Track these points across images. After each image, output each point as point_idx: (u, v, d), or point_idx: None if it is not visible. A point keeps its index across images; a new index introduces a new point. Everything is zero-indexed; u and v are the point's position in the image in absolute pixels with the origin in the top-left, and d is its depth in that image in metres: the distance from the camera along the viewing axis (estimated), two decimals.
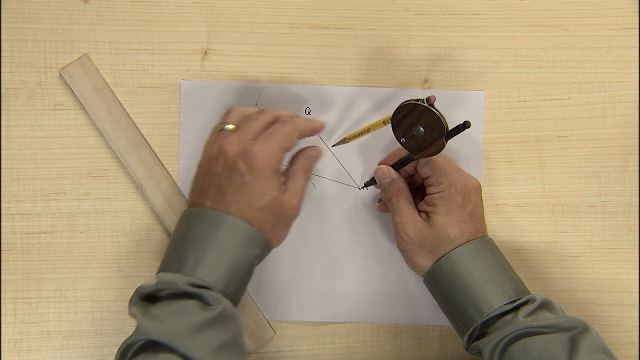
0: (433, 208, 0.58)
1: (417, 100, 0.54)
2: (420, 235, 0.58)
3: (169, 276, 0.52)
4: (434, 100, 0.53)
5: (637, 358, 0.65)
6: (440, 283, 0.57)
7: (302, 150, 0.59)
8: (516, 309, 0.54)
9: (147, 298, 0.53)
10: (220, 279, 0.52)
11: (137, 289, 0.53)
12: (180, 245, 0.53)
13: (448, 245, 0.57)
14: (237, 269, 0.53)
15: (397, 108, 0.55)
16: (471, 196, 0.58)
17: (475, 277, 0.56)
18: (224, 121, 0.57)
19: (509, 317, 0.54)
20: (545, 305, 0.55)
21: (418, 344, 0.65)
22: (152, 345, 0.49)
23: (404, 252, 0.60)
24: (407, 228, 0.59)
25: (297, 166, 0.57)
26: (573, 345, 0.51)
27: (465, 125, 0.51)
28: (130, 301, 0.53)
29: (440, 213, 0.57)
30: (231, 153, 0.54)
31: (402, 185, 0.60)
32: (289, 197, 0.55)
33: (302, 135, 0.57)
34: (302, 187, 0.57)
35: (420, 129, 0.55)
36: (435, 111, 0.53)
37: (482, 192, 0.65)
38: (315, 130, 0.58)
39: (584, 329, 0.52)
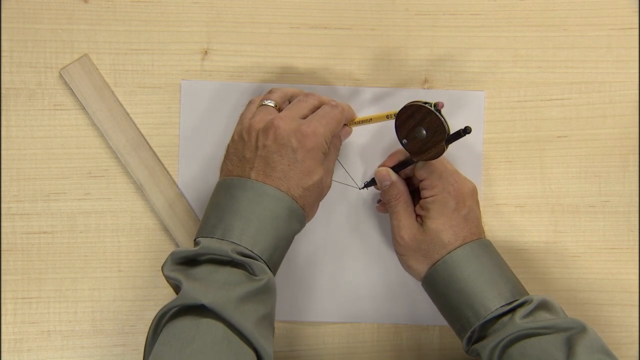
0: (427, 212, 0.58)
1: (425, 103, 0.54)
2: (414, 240, 0.58)
3: (214, 242, 0.52)
4: (442, 106, 0.54)
5: (637, 358, 0.65)
6: (438, 287, 0.57)
7: None
8: (513, 310, 0.54)
9: (186, 262, 0.52)
10: (265, 250, 0.53)
11: (172, 253, 0.53)
12: (223, 212, 0.54)
13: (442, 250, 0.57)
14: (280, 241, 0.54)
15: (403, 108, 0.56)
16: (466, 200, 0.58)
17: (471, 280, 0.55)
18: (266, 97, 0.59)
19: (506, 319, 0.54)
20: (543, 306, 0.55)
21: (418, 344, 0.65)
22: (196, 309, 0.49)
23: (399, 255, 0.60)
24: (402, 232, 0.59)
25: (331, 145, 0.59)
26: (571, 346, 0.51)
27: (466, 130, 0.52)
28: (164, 265, 0.52)
29: (434, 217, 0.57)
30: (283, 129, 0.55)
31: (401, 188, 0.60)
32: (328, 177, 0.58)
33: (348, 119, 0.60)
34: (333, 165, 0.60)
35: (422, 132, 0.55)
36: (438, 115, 0.53)
37: (482, 192, 0.65)
38: (353, 116, 0.61)
39: (582, 329, 0.52)
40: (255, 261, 0.51)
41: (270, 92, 0.60)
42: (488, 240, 0.59)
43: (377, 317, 0.65)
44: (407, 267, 0.61)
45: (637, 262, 0.66)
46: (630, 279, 0.66)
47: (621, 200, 0.66)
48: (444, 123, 0.53)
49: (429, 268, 0.58)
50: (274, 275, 0.54)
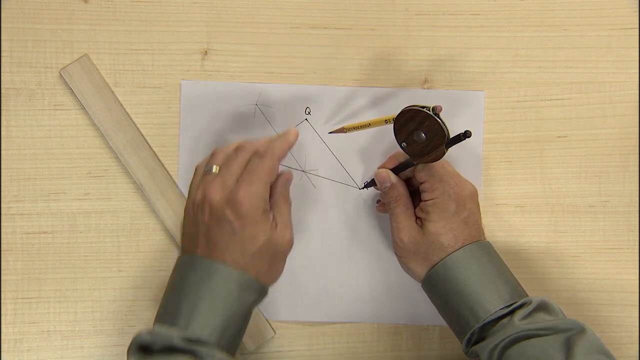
0: (426, 215, 0.58)
1: (423, 107, 0.54)
2: (413, 242, 0.58)
3: (163, 329, 0.51)
4: (440, 110, 0.53)
5: (637, 358, 0.65)
6: (437, 289, 0.58)
7: (276, 179, 0.57)
8: (512, 312, 0.54)
9: (144, 349, 0.52)
10: (214, 332, 0.51)
11: (135, 337, 0.52)
12: (174, 294, 0.53)
13: (441, 253, 0.57)
14: (232, 318, 0.52)
15: (401, 112, 0.56)
16: (466, 203, 0.58)
17: (471, 282, 0.55)
18: (208, 162, 0.56)
19: (505, 320, 0.54)
20: (542, 307, 0.55)
21: (418, 344, 0.65)
22: None
23: (399, 257, 0.60)
24: (401, 234, 0.59)
25: (277, 196, 0.56)
26: (569, 347, 0.51)
27: (466, 134, 0.52)
28: (128, 349, 0.52)
29: (434, 220, 0.57)
30: (216, 201, 0.53)
31: (401, 190, 0.59)
32: (280, 232, 0.55)
33: (282, 157, 0.56)
34: (288, 216, 0.56)
35: (421, 135, 0.55)
36: (437, 118, 0.53)
37: (482, 192, 0.65)
38: (292, 143, 0.57)
39: (581, 330, 0.52)
40: (202, 347, 0.50)
41: (212, 155, 0.57)
42: (488, 242, 0.59)
43: (377, 317, 0.65)
44: (406, 269, 0.61)
45: (637, 262, 0.66)
46: (630, 279, 0.66)
47: (621, 200, 0.66)
48: (443, 127, 0.53)
49: (429, 270, 0.58)
50: (236, 348, 0.54)
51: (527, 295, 0.57)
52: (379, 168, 0.61)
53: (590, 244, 0.66)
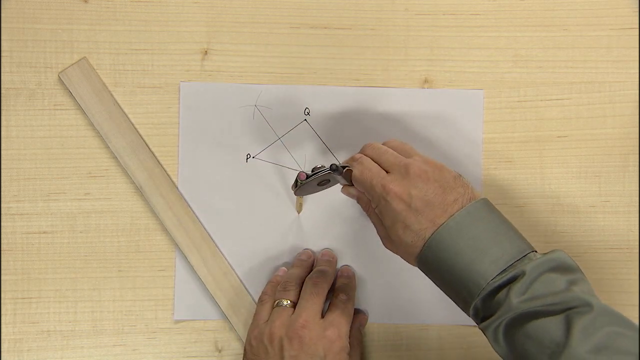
0: (383, 222, 0.56)
1: (295, 181, 0.57)
2: (393, 247, 0.57)
3: None
4: (303, 176, 0.56)
5: (637, 358, 0.65)
6: (430, 273, 0.55)
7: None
8: (508, 285, 0.50)
9: None
10: None
11: None
12: None
13: (414, 249, 0.54)
14: None
15: (296, 195, 0.60)
16: (410, 192, 0.53)
17: (458, 259, 0.52)
18: (281, 296, 0.61)
19: (501, 295, 0.50)
20: (548, 268, 0.51)
21: (418, 344, 0.65)
22: None
23: (398, 255, 0.60)
24: (383, 242, 0.58)
25: (352, 340, 0.61)
26: (569, 326, 0.48)
27: (332, 167, 0.55)
28: None
29: (389, 225, 0.55)
30: (309, 337, 0.57)
31: (365, 199, 0.58)
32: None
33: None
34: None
35: (324, 182, 0.58)
36: (311, 177, 0.56)
37: (482, 192, 0.64)
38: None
39: (586, 308, 0.49)
40: None
41: (284, 288, 0.61)
42: (471, 206, 0.53)
43: (377, 317, 0.65)
44: (408, 263, 0.59)
45: (637, 262, 0.66)
46: (630, 279, 0.66)
47: (621, 200, 0.66)
48: (319, 173, 0.56)
49: (416, 263, 0.56)
50: None
51: (531, 250, 0.52)
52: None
53: (590, 244, 0.66)
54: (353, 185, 0.59)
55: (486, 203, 0.54)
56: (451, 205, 0.53)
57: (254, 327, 0.59)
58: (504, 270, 0.51)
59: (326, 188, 0.60)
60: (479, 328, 0.53)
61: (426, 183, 0.54)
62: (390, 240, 0.57)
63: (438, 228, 0.52)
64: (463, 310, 0.54)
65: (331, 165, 0.55)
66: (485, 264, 0.51)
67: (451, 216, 0.52)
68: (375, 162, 0.57)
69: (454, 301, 0.55)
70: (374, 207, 0.56)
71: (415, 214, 0.53)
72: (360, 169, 0.56)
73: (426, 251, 0.53)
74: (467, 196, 0.54)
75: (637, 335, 0.48)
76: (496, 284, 0.51)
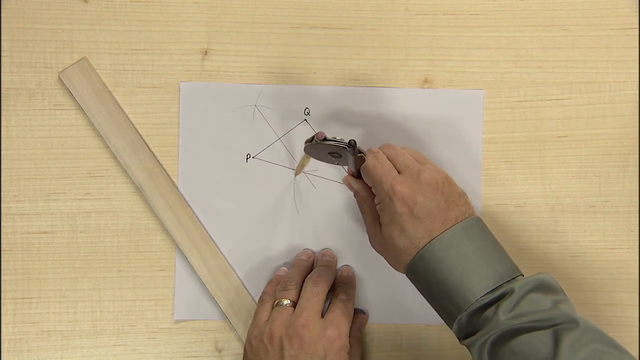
0: (381, 219, 0.57)
1: (311, 139, 0.57)
2: (381, 246, 0.58)
3: None
4: (321, 136, 0.56)
5: (637, 358, 0.65)
6: (419, 282, 0.56)
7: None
8: (496, 303, 0.51)
9: None
10: None
11: None
12: None
13: (405, 256, 0.55)
14: None
15: (304, 151, 0.60)
16: (415, 198, 0.54)
17: (448, 273, 0.52)
18: (281, 295, 0.60)
19: (489, 313, 0.51)
20: (534, 288, 0.52)
21: (418, 344, 0.65)
22: None
23: (382, 256, 0.60)
24: (370, 239, 0.59)
25: (352, 339, 0.62)
26: (557, 342, 0.49)
27: (350, 143, 0.55)
28: None
29: (385, 224, 0.56)
30: (309, 337, 0.56)
31: (364, 194, 0.60)
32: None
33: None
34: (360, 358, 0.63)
35: (336, 154, 0.58)
36: (325, 141, 0.56)
37: (482, 192, 0.65)
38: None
39: (572, 324, 0.50)
40: None
41: (284, 287, 0.60)
42: (470, 221, 0.54)
43: (377, 317, 0.65)
44: (393, 267, 0.60)
45: (637, 262, 0.66)
46: (630, 279, 0.66)
47: (621, 200, 0.66)
48: (335, 143, 0.56)
49: (405, 269, 0.56)
50: None
51: (518, 274, 0.53)
52: (348, 173, 0.63)
53: (590, 244, 0.66)
54: (357, 176, 0.60)
55: (480, 222, 0.55)
56: (450, 221, 0.54)
57: (254, 326, 0.59)
58: (494, 290, 0.52)
59: (333, 163, 0.60)
60: (463, 344, 0.54)
61: (434, 193, 0.54)
62: (379, 240, 0.58)
63: (433, 239, 0.53)
64: (446, 323, 0.55)
65: (350, 140, 0.55)
66: (476, 280, 0.52)
67: (446, 230, 0.53)
68: (389, 160, 0.57)
69: (437, 312, 0.56)
70: (377, 203, 0.57)
71: (415, 221, 0.54)
72: (373, 161, 0.57)
73: (417, 261, 0.54)
74: (467, 215, 0.55)
75: (619, 353, 0.50)
76: (485, 301, 0.52)
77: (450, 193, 0.55)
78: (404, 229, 0.54)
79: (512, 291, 0.51)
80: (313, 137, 0.57)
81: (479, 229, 0.55)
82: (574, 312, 0.52)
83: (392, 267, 0.59)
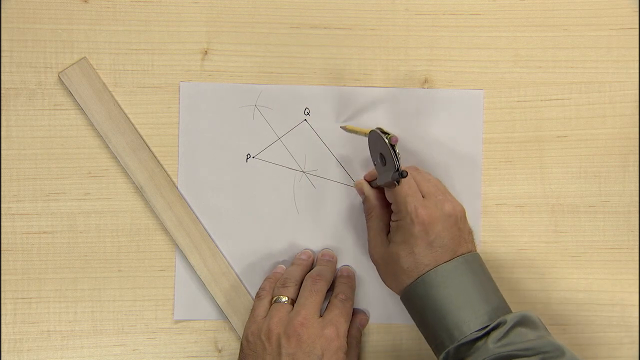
0: (392, 235, 0.58)
1: (386, 133, 0.55)
2: (382, 258, 0.59)
3: None
4: (396, 141, 0.54)
5: (637, 358, 0.65)
6: (413, 305, 0.57)
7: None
8: (487, 334, 0.53)
9: None
10: None
11: None
12: None
13: (405, 277, 0.56)
14: None
15: (370, 132, 0.57)
16: (434, 226, 0.55)
17: (447, 302, 0.54)
18: (279, 292, 0.60)
19: (480, 343, 0.53)
20: (521, 322, 0.54)
21: (418, 343, 0.65)
22: None
23: (376, 266, 0.61)
24: (371, 248, 0.60)
25: (351, 339, 0.61)
26: None
27: (402, 174, 0.53)
28: None
29: (396, 242, 0.57)
30: (307, 335, 0.56)
31: (374, 203, 0.60)
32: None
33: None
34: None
35: (382, 159, 0.56)
36: (390, 149, 0.54)
37: (482, 192, 0.65)
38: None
39: (558, 353, 0.51)
40: None
41: (283, 284, 0.60)
42: (471, 256, 0.57)
43: (377, 317, 0.65)
44: (383, 280, 0.61)
45: (637, 262, 0.66)
46: (630, 279, 0.66)
47: (621, 200, 0.66)
48: (395, 159, 0.53)
49: (403, 288, 0.57)
50: None
51: (509, 312, 0.55)
52: (364, 178, 0.63)
53: (590, 244, 0.66)
54: (376, 186, 0.60)
55: (480, 258, 0.58)
56: (457, 255, 0.56)
57: (252, 322, 0.59)
58: (487, 326, 0.53)
59: (371, 158, 0.59)
60: None
61: (452, 225, 0.56)
62: (381, 252, 0.59)
63: (436, 267, 0.55)
64: (432, 349, 0.57)
65: (403, 171, 0.54)
66: (473, 314, 0.54)
67: (449, 260, 0.55)
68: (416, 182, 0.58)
69: (425, 338, 0.57)
70: (394, 220, 0.57)
71: (427, 248, 0.55)
72: (402, 180, 0.57)
73: (418, 285, 0.56)
74: (471, 252, 0.57)
75: None
76: (478, 335, 0.53)
77: (464, 229, 0.58)
78: (414, 252, 0.56)
79: (504, 322, 0.53)
80: (388, 134, 0.55)
81: (479, 264, 0.57)
82: (559, 342, 0.53)
83: (383, 280, 0.60)
